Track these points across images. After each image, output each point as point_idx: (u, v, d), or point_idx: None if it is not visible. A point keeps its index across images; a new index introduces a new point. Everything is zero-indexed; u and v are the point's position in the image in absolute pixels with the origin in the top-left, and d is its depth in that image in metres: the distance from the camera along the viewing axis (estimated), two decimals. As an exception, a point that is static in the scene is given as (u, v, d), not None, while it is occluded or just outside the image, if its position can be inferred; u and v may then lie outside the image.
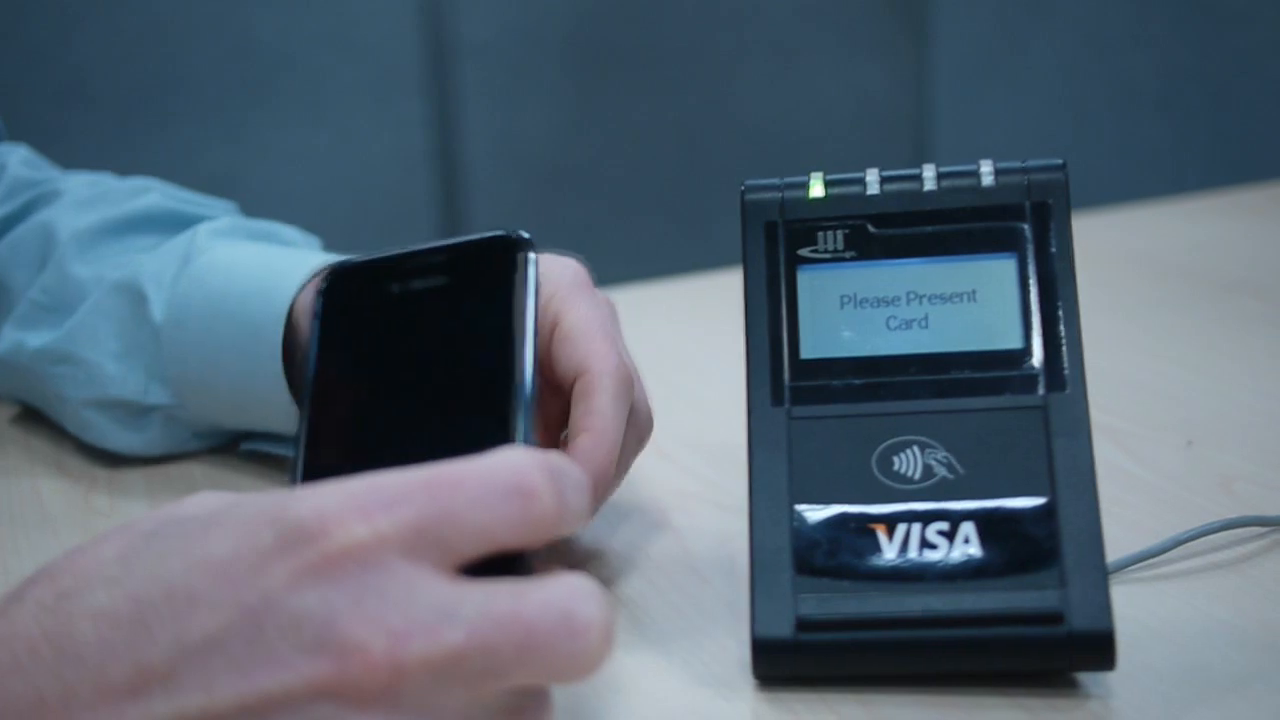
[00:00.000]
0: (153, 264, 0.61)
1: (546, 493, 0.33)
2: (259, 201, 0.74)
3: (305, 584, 0.31)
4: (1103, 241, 0.92)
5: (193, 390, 0.60)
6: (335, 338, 0.43)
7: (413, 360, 0.42)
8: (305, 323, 0.57)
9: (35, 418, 0.69)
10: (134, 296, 0.61)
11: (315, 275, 0.58)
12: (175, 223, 0.66)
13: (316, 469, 0.40)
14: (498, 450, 0.34)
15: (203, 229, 0.63)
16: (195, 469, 0.62)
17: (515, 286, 0.40)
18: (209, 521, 0.33)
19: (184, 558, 0.32)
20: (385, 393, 0.42)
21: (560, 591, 0.32)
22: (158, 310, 0.60)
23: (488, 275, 0.42)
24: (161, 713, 0.31)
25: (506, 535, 0.33)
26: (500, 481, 0.33)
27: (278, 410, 0.58)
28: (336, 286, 0.44)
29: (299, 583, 0.31)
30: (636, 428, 0.51)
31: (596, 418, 0.48)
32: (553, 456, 0.34)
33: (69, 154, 0.75)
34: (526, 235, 0.42)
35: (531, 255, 0.41)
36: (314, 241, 0.67)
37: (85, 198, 0.67)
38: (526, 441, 0.37)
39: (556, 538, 0.34)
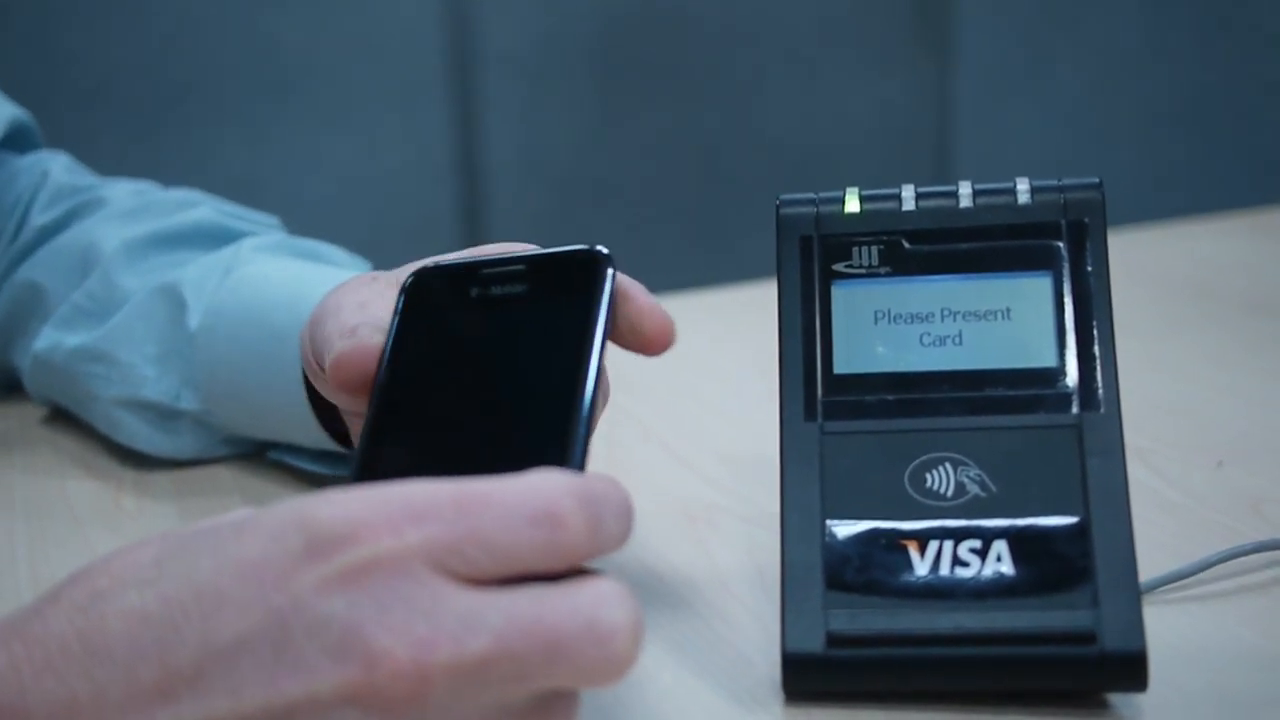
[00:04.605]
0: (195, 273, 0.62)
1: (577, 519, 0.33)
2: (279, 208, 0.74)
3: (333, 590, 0.31)
4: (1127, 260, 0.91)
5: (219, 398, 0.60)
6: (411, 336, 0.43)
7: (483, 367, 0.42)
8: None
9: (64, 419, 0.69)
10: (174, 302, 0.61)
11: None
12: (224, 238, 0.66)
13: (374, 462, 0.40)
14: (534, 472, 0.34)
15: (248, 243, 0.63)
16: (223, 473, 0.62)
17: (593, 302, 0.40)
18: (241, 525, 0.34)
19: (215, 559, 0.33)
20: (452, 396, 0.42)
21: (586, 597, 0.32)
22: (194, 318, 0.60)
23: (567, 288, 0.41)
24: (190, 717, 0.31)
25: (531, 559, 0.33)
26: (529, 507, 0.33)
27: (298, 421, 0.58)
28: (419, 285, 0.44)
29: (327, 588, 0.31)
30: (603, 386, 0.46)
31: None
32: (593, 481, 0.34)
33: (90, 158, 0.75)
34: (607, 251, 0.42)
35: (611, 271, 0.41)
36: (361, 263, 0.67)
37: (130, 208, 0.68)
38: (581, 462, 0.37)
39: (595, 558, 0.34)
